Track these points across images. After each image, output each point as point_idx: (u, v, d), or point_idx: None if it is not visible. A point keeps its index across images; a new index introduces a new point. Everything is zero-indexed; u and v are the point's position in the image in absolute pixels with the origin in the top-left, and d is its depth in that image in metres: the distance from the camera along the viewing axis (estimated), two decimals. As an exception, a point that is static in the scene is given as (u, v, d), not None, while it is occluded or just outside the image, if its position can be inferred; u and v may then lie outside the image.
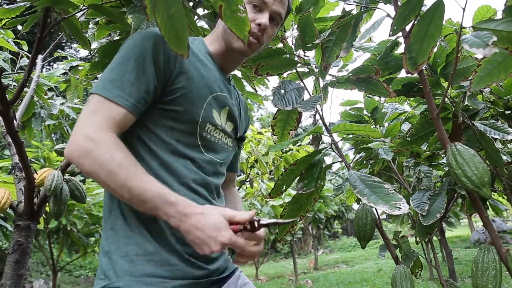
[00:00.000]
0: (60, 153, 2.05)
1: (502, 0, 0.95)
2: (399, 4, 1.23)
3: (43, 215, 2.99)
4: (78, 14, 1.36)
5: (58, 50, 3.20)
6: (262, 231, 0.82)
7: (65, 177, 1.92)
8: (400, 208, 0.99)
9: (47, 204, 1.93)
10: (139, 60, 0.84)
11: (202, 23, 1.68)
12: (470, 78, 1.31)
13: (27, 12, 1.34)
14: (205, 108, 0.92)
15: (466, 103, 1.42)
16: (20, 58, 2.59)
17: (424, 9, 1.20)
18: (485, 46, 0.80)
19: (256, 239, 0.80)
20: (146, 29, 0.94)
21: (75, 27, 1.33)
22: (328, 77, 1.34)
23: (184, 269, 0.85)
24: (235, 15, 0.73)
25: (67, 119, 2.80)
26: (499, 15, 1.10)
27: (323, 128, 1.35)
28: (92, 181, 4.23)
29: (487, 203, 1.87)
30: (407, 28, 1.11)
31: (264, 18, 0.97)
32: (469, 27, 0.95)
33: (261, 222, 0.80)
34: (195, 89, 0.90)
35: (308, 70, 1.40)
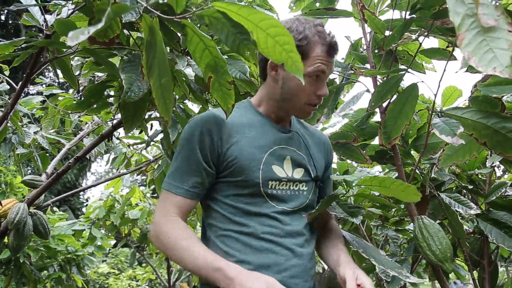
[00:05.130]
0: (28, 184, 1.98)
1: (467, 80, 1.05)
2: (378, 79, 1.33)
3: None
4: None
5: (40, 77, 3.18)
6: None
7: (30, 210, 1.85)
8: (408, 277, 1.00)
9: (6, 237, 1.84)
10: (188, 151, 0.99)
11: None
12: (438, 153, 1.41)
13: (19, 47, 1.35)
14: (262, 169, 0.99)
15: (433, 175, 1.50)
16: (0, 83, 2.55)
17: (401, 84, 1.30)
18: (453, 135, 0.88)
19: None
20: (194, 118, 1.05)
21: (66, 66, 1.35)
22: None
23: None
24: (223, 88, 0.78)
25: (39, 148, 2.73)
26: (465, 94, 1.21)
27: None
28: (54, 213, 4.05)
29: (449, 270, 1.92)
30: (384, 104, 1.20)
31: (324, 89, 1.02)
32: (439, 112, 1.04)
33: None
34: (248, 156, 0.99)
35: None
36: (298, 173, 1.06)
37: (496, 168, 2.21)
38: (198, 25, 1.45)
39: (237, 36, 0.76)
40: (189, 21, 0.84)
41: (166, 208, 0.98)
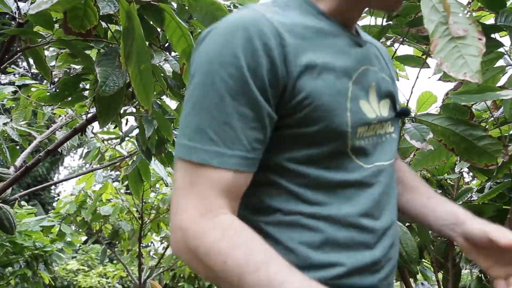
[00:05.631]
0: (-5, 177, 1.92)
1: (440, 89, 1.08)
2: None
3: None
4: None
5: (13, 66, 3.08)
6: None
7: (-4, 204, 1.79)
8: None
9: (-30, 231, 1.77)
10: (231, 86, 0.53)
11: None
12: (409, 158, 1.45)
13: (-11, 34, 1.31)
14: (351, 109, 0.59)
15: (404, 179, 1.55)
16: (-32, 71, 2.45)
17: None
18: (422, 141, 0.91)
19: None
20: (228, 21, 0.57)
21: (39, 57, 1.32)
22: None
23: None
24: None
25: (8, 140, 2.64)
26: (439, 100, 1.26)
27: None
28: (22, 207, 3.93)
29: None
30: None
31: None
32: (412, 117, 1.07)
33: None
34: (328, 89, 0.58)
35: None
36: (384, 108, 0.67)
37: (465, 174, 2.29)
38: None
39: (216, 13, 0.78)
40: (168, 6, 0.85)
41: (204, 197, 0.53)
